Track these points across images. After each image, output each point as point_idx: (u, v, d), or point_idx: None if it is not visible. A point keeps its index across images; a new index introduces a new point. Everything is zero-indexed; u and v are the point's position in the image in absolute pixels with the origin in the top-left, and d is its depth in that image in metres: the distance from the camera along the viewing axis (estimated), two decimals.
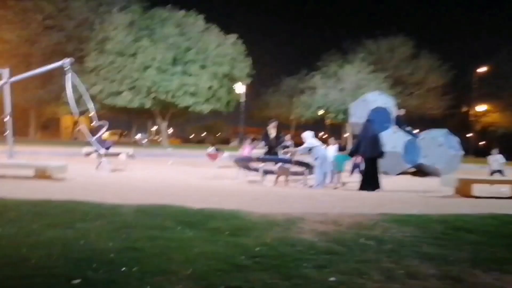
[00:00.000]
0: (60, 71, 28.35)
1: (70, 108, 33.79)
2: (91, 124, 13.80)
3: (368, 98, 17.33)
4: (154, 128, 64.48)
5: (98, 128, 13.89)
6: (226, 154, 15.21)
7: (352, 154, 10.96)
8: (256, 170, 11.15)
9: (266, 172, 10.91)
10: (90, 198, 6.26)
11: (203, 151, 23.47)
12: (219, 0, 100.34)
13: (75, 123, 62.48)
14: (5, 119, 13.60)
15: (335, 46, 50.05)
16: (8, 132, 13.68)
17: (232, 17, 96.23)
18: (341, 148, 12.75)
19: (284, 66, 66.59)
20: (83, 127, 13.26)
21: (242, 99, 39.56)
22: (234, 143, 49.63)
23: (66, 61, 13.52)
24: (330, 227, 4.99)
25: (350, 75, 40.60)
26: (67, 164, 9.38)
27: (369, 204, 7.10)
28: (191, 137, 76.41)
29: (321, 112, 43.96)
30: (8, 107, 13.68)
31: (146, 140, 55.20)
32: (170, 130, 34.23)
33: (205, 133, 79.00)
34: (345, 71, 41.18)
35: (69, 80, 13.37)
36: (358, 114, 16.62)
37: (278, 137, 11.50)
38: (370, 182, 9.92)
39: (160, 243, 4.18)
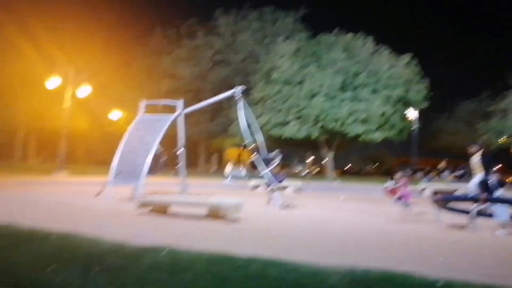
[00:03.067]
0: (228, 104, 29.00)
1: (236, 140, 34.54)
2: (252, 156, 12.87)
3: None
4: (311, 159, 63.42)
5: (270, 160, 12.89)
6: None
7: None
8: (464, 211, 8.80)
9: (480, 214, 8.48)
10: (275, 253, 4.84)
11: (373, 185, 21.37)
12: (388, 21, 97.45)
13: (239, 155, 64.36)
14: (178, 152, 13.41)
15: None
16: (181, 164, 13.45)
17: (403, 37, 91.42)
18: None
19: (460, 88, 59.61)
20: (256, 158, 12.32)
21: (415, 126, 36.05)
22: (399, 174, 45.36)
23: (237, 90, 12.94)
24: None
25: None
26: (242, 201, 8.24)
27: None
28: (345, 168, 73.65)
29: (503, 139, 37.86)
30: (182, 139, 13.50)
31: (308, 171, 54.42)
32: (326, 161, 32.19)
33: (366, 164, 76.07)
34: None
35: (241, 108, 12.69)
36: None
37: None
38: None
39: None
